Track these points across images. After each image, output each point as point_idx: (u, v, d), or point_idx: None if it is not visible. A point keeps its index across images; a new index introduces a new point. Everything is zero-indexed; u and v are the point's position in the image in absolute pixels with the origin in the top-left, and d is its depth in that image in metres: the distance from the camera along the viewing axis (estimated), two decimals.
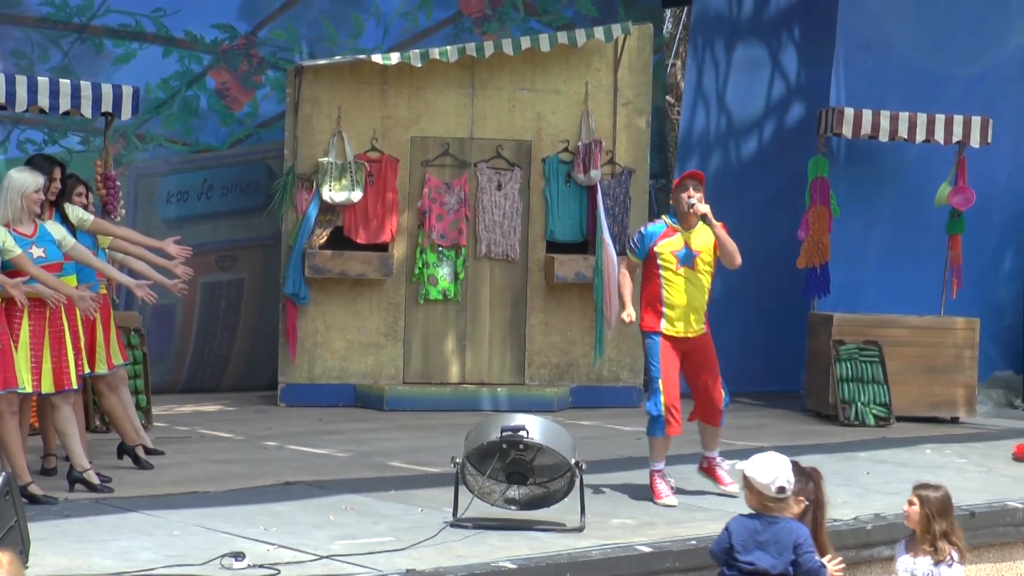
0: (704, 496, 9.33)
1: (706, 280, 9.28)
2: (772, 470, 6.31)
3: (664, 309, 9.17)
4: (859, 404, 13.40)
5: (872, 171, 14.66)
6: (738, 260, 9.40)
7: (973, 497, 9.58)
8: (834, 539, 8.31)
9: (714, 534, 8.00)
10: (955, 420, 13.86)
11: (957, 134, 13.93)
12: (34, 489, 8.52)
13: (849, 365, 13.50)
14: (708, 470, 9.50)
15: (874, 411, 13.40)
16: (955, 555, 6.75)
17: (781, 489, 6.23)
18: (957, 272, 14.02)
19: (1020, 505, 9.44)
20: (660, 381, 9.09)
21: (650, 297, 9.24)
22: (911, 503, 6.85)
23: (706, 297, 9.30)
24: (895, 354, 13.64)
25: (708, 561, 7.78)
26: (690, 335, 9.23)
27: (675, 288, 9.16)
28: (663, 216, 9.47)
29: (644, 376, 9.34)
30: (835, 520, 8.60)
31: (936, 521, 6.72)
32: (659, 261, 9.18)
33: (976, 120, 13.96)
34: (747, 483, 6.27)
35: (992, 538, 9.24)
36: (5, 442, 8.49)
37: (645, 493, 9.33)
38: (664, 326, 9.17)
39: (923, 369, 13.75)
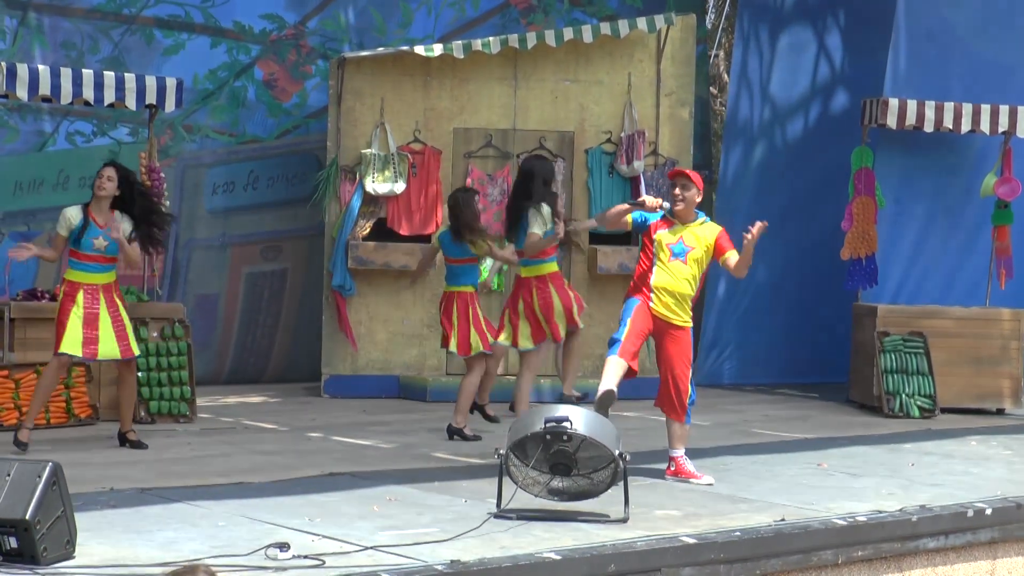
0: (750, 487, 9.31)
1: (694, 276, 9.41)
2: None
3: (653, 295, 9.34)
4: (903, 395, 13.34)
5: (919, 161, 14.58)
6: (743, 273, 9.66)
7: (1020, 489, 9.52)
8: (879, 530, 8.34)
9: (760, 525, 8.01)
10: (1000, 411, 13.78)
11: (1003, 124, 13.83)
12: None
13: (894, 356, 13.44)
14: (677, 471, 9.48)
15: (919, 402, 13.34)
16: None
17: None
18: (1006, 263, 13.92)
19: None
20: (628, 320, 9.29)
21: (639, 278, 9.45)
22: None
23: (692, 292, 9.44)
24: (940, 345, 13.57)
25: (753, 552, 7.79)
26: (673, 320, 9.35)
27: (663, 274, 9.33)
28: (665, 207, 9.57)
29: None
30: (880, 512, 8.57)
31: None
32: (655, 248, 9.39)
33: (1022, 110, 13.86)
34: None
35: None
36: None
37: (689, 484, 9.32)
38: (652, 304, 9.34)
39: (968, 360, 13.68)
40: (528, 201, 11.19)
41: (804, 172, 15.66)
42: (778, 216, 15.60)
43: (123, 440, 10.47)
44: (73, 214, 10.19)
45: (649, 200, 9.43)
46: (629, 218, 9.48)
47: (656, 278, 9.33)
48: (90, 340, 10.12)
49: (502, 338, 11.38)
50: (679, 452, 9.49)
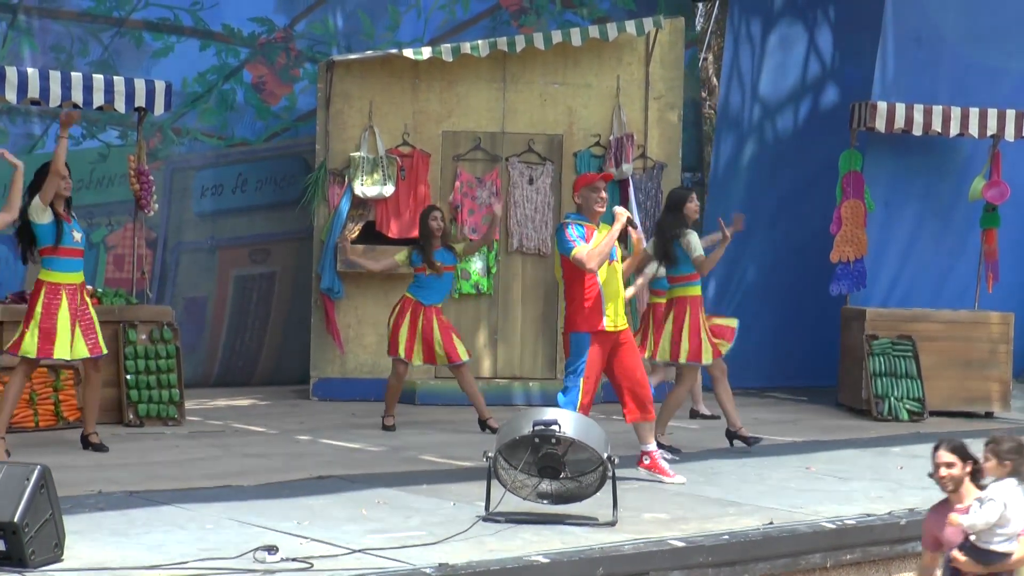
0: (738, 491, 9.32)
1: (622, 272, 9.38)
2: None
3: (604, 306, 9.13)
4: (892, 399, 13.36)
5: (907, 165, 14.60)
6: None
7: None
8: (868, 534, 8.35)
9: (748, 528, 8.02)
10: (989, 415, 13.80)
11: (991, 128, 13.86)
12: None
13: (882, 360, 13.46)
14: (651, 466, 9.49)
15: (907, 406, 13.36)
16: None
17: None
18: (993, 267, 13.96)
19: None
20: (582, 380, 9.07)
21: (588, 296, 9.13)
22: None
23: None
24: (929, 349, 13.59)
25: (741, 556, 7.80)
26: (622, 327, 9.26)
27: (611, 285, 9.17)
28: (568, 219, 9.26)
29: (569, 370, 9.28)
30: (869, 515, 8.58)
31: None
32: None
33: (1011, 114, 13.90)
34: None
35: None
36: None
37: (677, 488, 9.32)
38: (606, 323, 9.12)
39: (957, 364, 13.70)
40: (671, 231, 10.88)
41: (794, 171, 15.69)
42: (767, 216, 15.68)
43: (85, 443, 10.37)
44: (43, 208, 9.92)
45: (624, 212, 9.15)
46: (587, 246, 9.08)
47: (606, 288, 9.12)
48: (62, 340, 9.90)
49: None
50: (653, 446, 9.50)
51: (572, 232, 9.09)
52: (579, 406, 9.00)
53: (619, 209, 9.20)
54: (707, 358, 10.75)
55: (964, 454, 6.73)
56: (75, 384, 11.44)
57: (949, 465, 6.69)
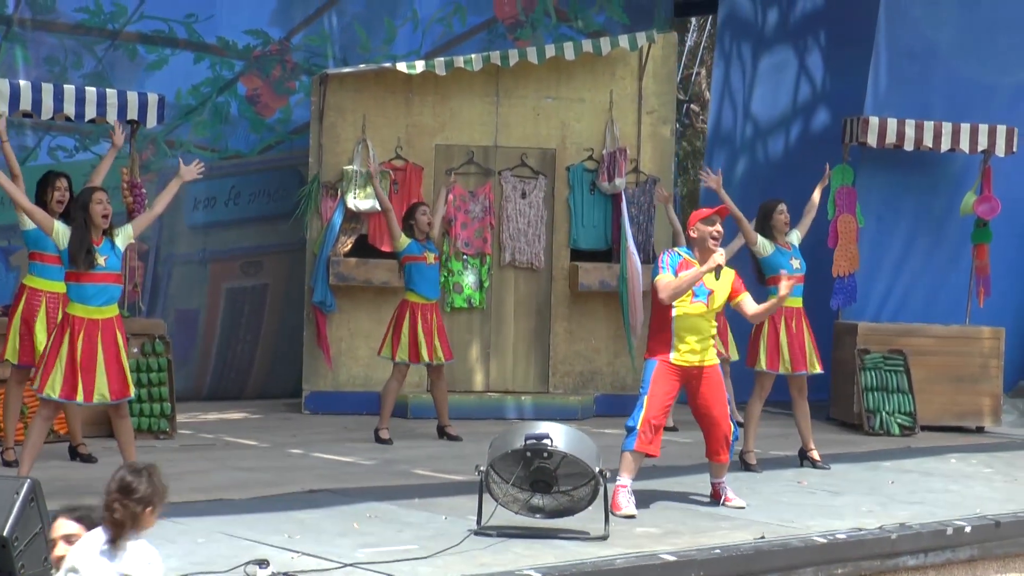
0: (728, 506, 9.31)
1: (712, 313, 9.08)
2: None
3: (675, 341, 8.99)
4: (884, 413, 13.37)
5: (899, 180, 14.62)
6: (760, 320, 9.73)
7: (999, 507, 9.55)
8: (859, 548, 8.35)
9: (740, 543, 8.01)
10: (980, 430, 13.82)
11: (982, 143, 13.90)
12: None
13: (874, 374, 13.48)
14: (714, 495, 9.44)
15: (899, 420, 13.37)
16: None
17: None
18: (985, 282, 13.98)
19: None
20: (646, 398, 8.95)
21: (660, 326, 9.05)
22: None
23: (714, 329, 9.13)
24: (920, 363, 13.61)
25: (733, 570, 7.80)
26: (698, 363, 9.06)
27: (687, 321, 8.98)
28: (675, 248, 9.32)
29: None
30: (860, 529, 8.58)
31: None
32: None
33: (1002, 129, 13.94)
34: None
35: (1019, 548, 9.21)
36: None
37: (669, 502, 9.33)
38: (673, 357, 8.98)
39: (948, 378, 13.72)
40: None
41: (785, 190, 15.64)
42: None
43: (73, 453, 10.50)
44: (64, 231, 8.68)
45: (720, 259, 8.89)
46: (671, 275, 8.97)
47: (677, 322, 8.95)
48: (88, 382, 8.67)
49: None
50: (723, 479, 9.39)
51: (665, 259, 9.05)
52: (639, 431, 8.89)
53: (717, 256, 8.87)
54: (812, 368, 11.19)
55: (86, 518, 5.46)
56: None
57: (68, 539, 5.41)
